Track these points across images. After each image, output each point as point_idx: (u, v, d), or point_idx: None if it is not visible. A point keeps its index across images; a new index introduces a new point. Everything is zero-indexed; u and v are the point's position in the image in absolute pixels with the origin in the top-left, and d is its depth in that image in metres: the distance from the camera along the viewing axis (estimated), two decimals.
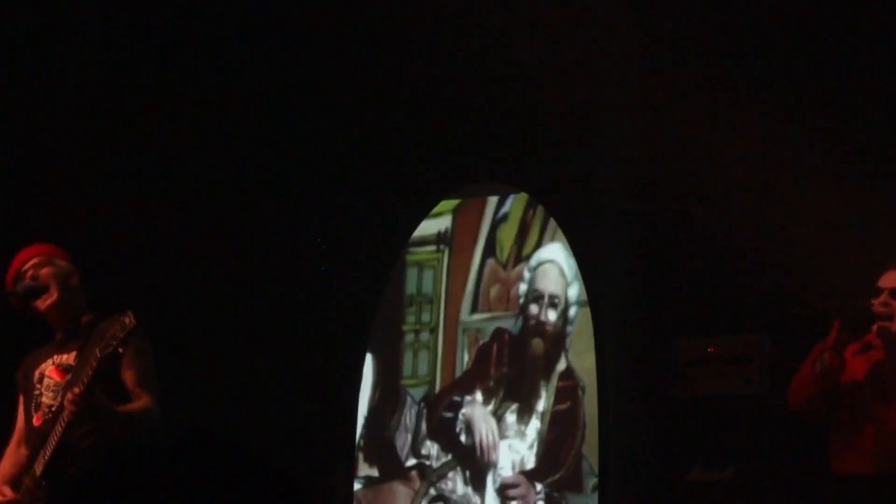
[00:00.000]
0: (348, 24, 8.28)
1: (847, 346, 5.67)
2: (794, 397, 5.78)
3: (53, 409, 5.05)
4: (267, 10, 8.28)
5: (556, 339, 8.26)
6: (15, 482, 5.09)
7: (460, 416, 8.37)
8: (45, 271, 5.23)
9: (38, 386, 5.18)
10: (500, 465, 8.18)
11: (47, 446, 4.97)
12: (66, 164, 8.02)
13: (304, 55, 8.53)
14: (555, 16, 7.63)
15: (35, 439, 5.05)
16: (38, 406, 5.15)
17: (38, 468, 4.97)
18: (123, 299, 5.28)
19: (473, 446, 8.26)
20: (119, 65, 8.15)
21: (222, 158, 8.51)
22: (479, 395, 8.39)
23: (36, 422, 5.12)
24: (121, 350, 4.94)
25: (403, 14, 7.81)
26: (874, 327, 5.63)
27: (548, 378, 8.14)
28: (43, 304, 5.17)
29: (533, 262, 8.35)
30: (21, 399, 5.26)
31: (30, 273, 5.21)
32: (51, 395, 5.13)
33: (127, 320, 4.88)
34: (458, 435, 8.34)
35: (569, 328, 8.18)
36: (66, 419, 4.92)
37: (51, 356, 5.22)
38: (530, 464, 8.02)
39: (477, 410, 8.32)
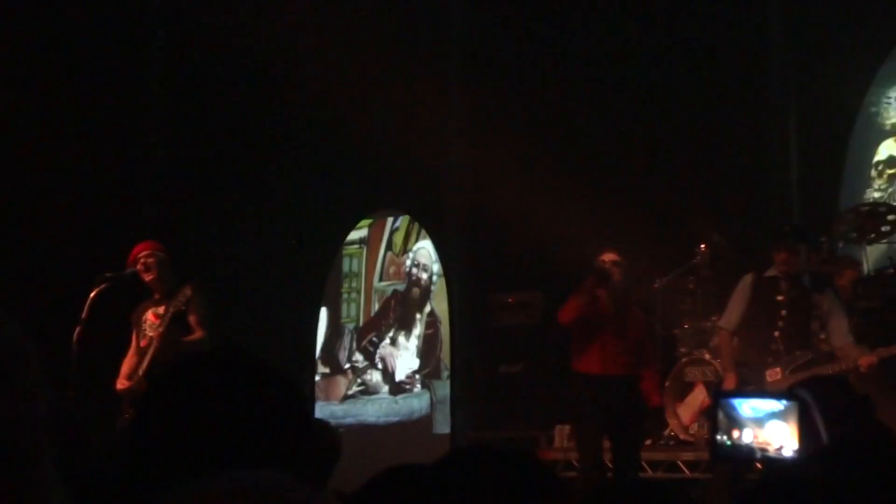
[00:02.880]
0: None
1: (596, 290, 6.44)
2: (563, 318, 6.54)
3: (151, 338, 6.13)
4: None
5: (425, 291, 9.61)
6: (130, 376, 6.18)
7: (377, 354, 9.74)
8: (150, 260, 6.34)
9: (144, 324, 6.28)
10: (398, 369, 9.69)
11: (145, 360, 6.07)
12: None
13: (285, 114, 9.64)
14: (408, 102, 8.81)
15: (141, 354, 6.23)
16: (143, 335, 6.26)
17: (140, 371, 6.08)
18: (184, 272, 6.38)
19: (384, 368, 9.81)
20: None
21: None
22: (387, 339, 9.43)
23: (142, 344, 6.26)
24: (183, 309, 6.02)
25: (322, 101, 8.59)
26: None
27: (421, 315, 9.61)
28: (147, 279, 6.38)
29: (415, 248, 9.63)
30: (134, 330, 6.39)
31: (142, 262, 6.35)
32: (151, 330, 6.19)
33: (188, 291, 6.03)
34: (375, 361, 9.83)
35: (433, 287, 9.63)
36: (155, 347, 6.01)
37: (151, 307, 6.32)
38: (414, 364, 9.65)
39: (387, 349, 9.64)
